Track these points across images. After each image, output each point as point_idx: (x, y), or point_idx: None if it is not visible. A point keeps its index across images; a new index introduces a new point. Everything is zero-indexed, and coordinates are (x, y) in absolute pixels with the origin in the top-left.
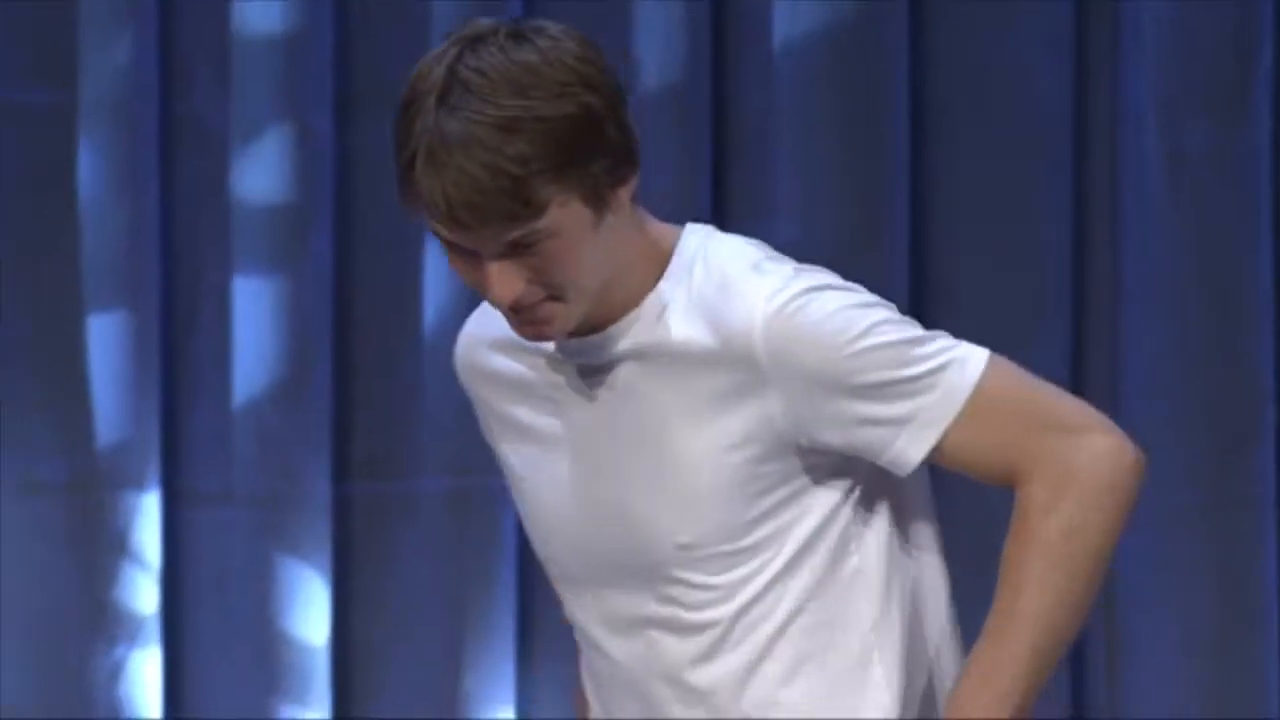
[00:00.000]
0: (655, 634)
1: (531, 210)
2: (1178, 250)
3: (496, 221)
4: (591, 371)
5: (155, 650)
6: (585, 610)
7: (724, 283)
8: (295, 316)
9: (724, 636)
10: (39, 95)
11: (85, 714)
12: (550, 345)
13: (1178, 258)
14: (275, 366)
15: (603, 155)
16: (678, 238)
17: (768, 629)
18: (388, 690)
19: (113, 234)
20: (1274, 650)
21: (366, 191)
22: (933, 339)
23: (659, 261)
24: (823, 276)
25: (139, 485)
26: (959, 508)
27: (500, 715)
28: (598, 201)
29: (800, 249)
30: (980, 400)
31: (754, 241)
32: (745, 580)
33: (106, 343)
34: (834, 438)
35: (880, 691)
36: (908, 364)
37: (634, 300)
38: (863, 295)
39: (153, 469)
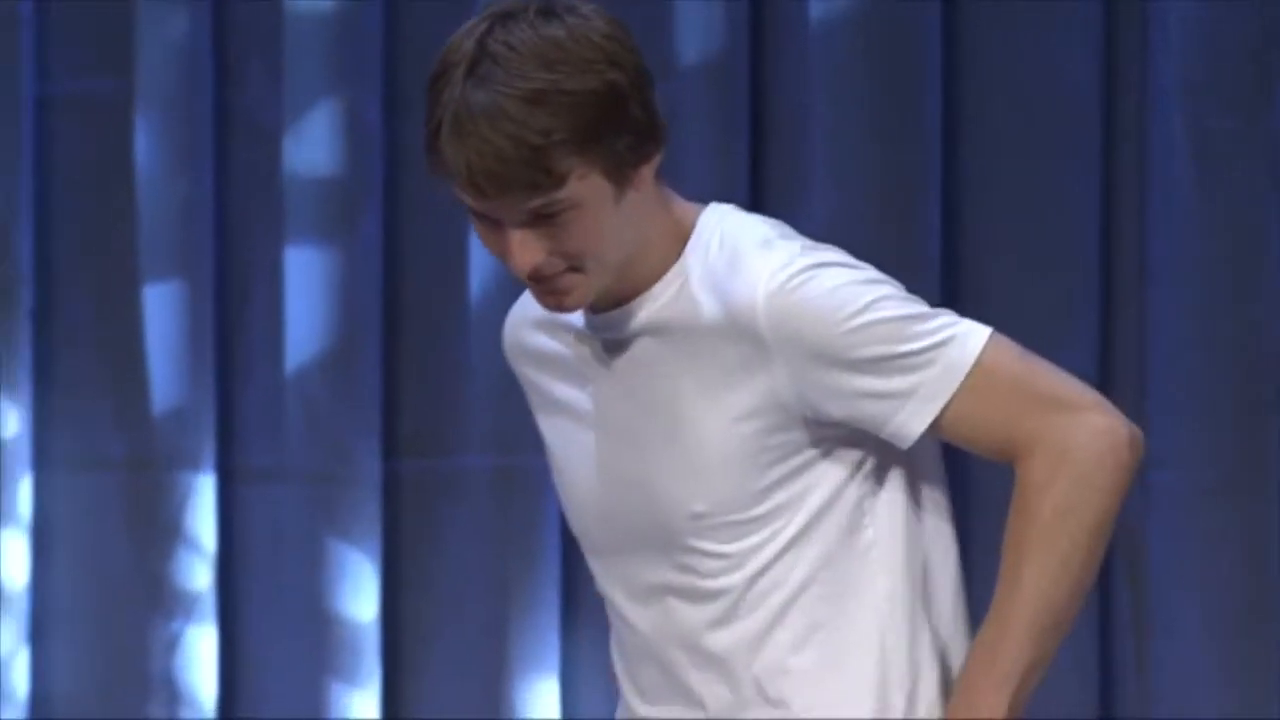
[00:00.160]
0: (672, 601)
1: (552, 180)
2: (1203, 235)
3: (518, 190)
4: (614, 346)
5: (210, 626)
6: (610, 579)
7: (733, 258)
8: (345, 293)
9: (737, 603)
10: (99, 84)
11: (142, 688)
12: (580, 321)
13: (1203, 242)
14: (325, 343)
15: (626, 132)
16: (699, 216)
17: (780, 597)
18: (435, 665)
19: (169, 211)
20: None
21: (415, 170)
22: (935, 315)
23: (680, 239)
24: (830, 254)
25: (195, 463)
26: (988, 490)
27: (544, 688)
28: (619, 177)
29: (835, 225)
30: (980, 376)
31: (770, 220)
32: (757, 549)
33: (163, 317)
34: (836, 410)
35: (892, 661)
36: (908, 339)
37: (655, 276)
38: (868, 272)
39: (208, 446)
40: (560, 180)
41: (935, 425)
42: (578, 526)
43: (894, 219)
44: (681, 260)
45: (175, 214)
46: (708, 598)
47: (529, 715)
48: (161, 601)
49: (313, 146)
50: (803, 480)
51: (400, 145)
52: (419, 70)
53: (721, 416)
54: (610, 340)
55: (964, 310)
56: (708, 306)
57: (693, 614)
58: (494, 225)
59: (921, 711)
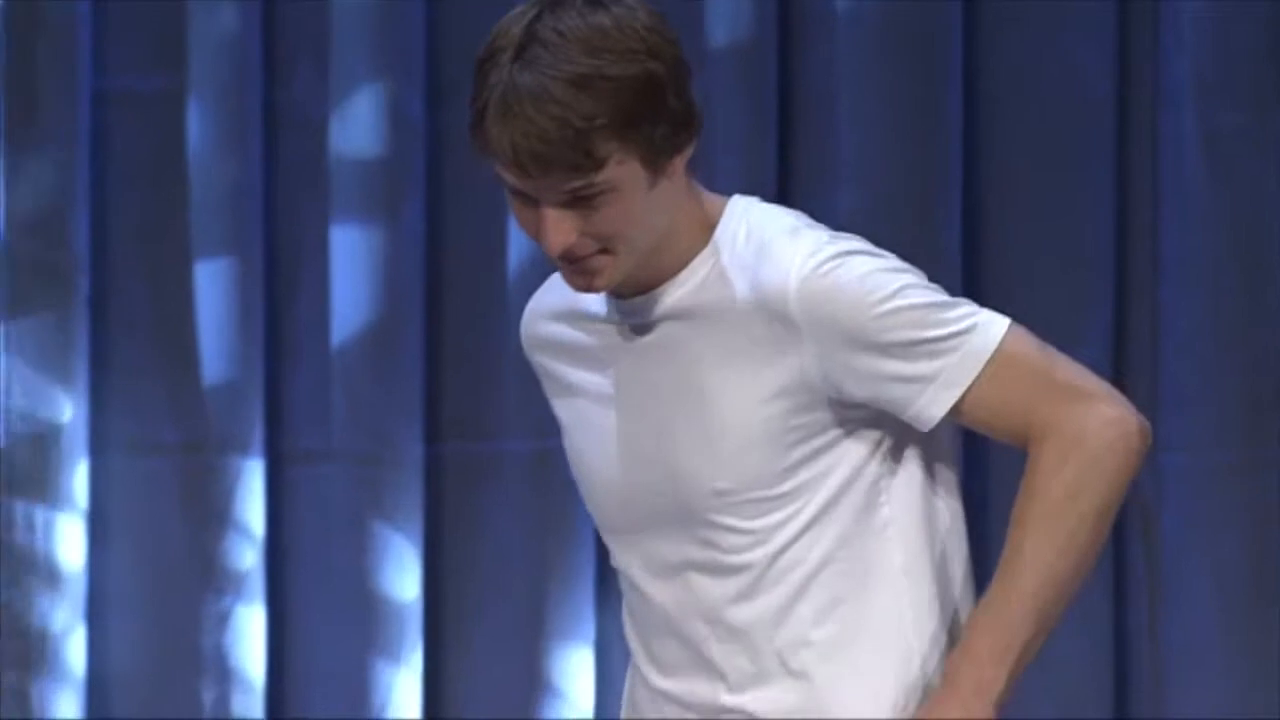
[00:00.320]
0: (694, 576)
1: (592, 163)
2: (1214, 230)
3: (559, 171)
4: (639, 331)
5: (259, 605)
6: (628, 556)
7: (762, 245)
8: (388, 274)
9: (760, 578)
10: (154, 79)
11: (193, 665)
12: (603, 309)
13: (1215, 238)
14: (368, 328)
15: (663, 121)
16: (725, 207)
17: (802, 572)
18: (475, 641)
19: (220, 197)
20: None
21: (456, 155)
22: (957, 304)
23: (706, 228)
24: (856, 243)
25: (244, 447)
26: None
27: (579, 657)
28: (654, 165)
29: (858, 216)
30: (1001, 364)
31: (793, 211)
32: (780, 525)
33: (214, 299)
34: (861, 392)
35: (909, 634)
36: (933, 326)
37: (681, 263)
38: (893, 261)
39: (256, 430)
40: (600, 164)
41: (955, 409)
42: (596, 506)
43: (915, 212)
44: (709, 247)
45: (226, 200)
46: (731, 572)
47: (565, 684)
48: (212, 581)
49: (357, 132)
50: (825, 460)
51: (441, 131)
52: (459, 59)
53: (749, 397)
54: (635, 325)
55: (983, 301)
56: (737, 291)
57: (715, 588)
58: (531, 204)
59: (938, 681)
